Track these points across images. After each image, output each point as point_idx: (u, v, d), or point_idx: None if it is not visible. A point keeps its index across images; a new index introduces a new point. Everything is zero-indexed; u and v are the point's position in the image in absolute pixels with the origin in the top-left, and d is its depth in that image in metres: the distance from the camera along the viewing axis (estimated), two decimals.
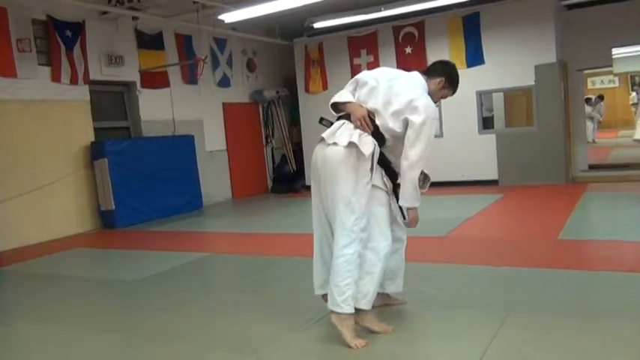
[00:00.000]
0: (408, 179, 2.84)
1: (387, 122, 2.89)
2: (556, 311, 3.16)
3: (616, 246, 4.59)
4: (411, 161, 2.82)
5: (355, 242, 2.81)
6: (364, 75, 3.09)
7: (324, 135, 2.95)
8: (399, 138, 2.91)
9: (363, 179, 2.82)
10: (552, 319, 3.01)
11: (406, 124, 2.86)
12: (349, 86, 3.11)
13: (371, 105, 2.94)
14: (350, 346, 2.78)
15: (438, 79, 3.07)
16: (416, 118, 2.82)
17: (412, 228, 3.06)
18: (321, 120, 3.12)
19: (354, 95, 3.04)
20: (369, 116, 2.89)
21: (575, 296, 3.43)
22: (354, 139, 2.81)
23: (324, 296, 3.00)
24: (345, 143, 2.82)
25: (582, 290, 3.56)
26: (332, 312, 2.86)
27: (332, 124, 3.03)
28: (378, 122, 2.91)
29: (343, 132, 2.88)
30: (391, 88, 2.93)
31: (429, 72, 3.11)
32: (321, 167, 2.93)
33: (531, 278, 3.88)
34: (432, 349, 2.83)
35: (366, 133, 2.85)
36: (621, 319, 2.97)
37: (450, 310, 3.30)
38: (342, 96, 3.04)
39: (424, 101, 2.88)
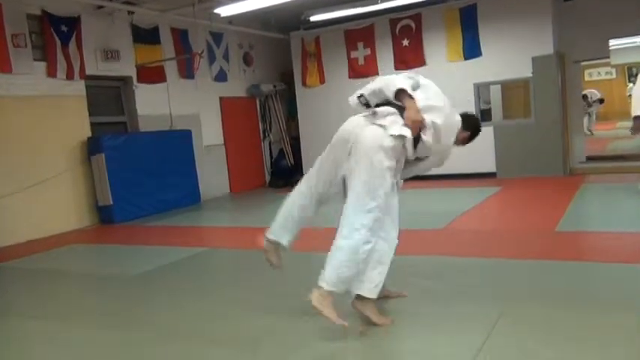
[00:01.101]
0: None
1: (428, 144, 2.89)
2: (554, 303, 3.16)
3: (614, 237, 4.60)
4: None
5: (365, 229, 2.78)
6: (431, 84, 3.02)
7: (377, 110, 2.89)
8: (419, 160, 3.03)
9: (392, 172, 2.84)
10: (551, 311, 3.02)
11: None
12: (408, 79, 2.95)
13: (427, 119, 2.87)
14: (333, 323, 2.77)
15: (466, 133, 3.25)
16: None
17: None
18: (360, 96, 3.06)
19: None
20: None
21: (574, 288, 3.44)
22: (408, 135, 2.80)
23: (270, 240, 3.21)
24: (397, 133, 2.78)
25: (581, 282, 3.57)
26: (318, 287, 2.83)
27: (368, 105, 3.01)
28: (422, 137, 2.89)
29: (395, 121, 2.83)
30: (446, 126, 2.94)
31: (464, 122, 3.18)
32: (358, 140, 2.83)
33: (529, 270, 3.89)
34: (430, 341, 2.83)
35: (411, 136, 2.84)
36: (621, 310, 2.97)
37: (448, 302, 3.30)
38: (408, 87, 2.90)
39: (446, 156, 3.15)
